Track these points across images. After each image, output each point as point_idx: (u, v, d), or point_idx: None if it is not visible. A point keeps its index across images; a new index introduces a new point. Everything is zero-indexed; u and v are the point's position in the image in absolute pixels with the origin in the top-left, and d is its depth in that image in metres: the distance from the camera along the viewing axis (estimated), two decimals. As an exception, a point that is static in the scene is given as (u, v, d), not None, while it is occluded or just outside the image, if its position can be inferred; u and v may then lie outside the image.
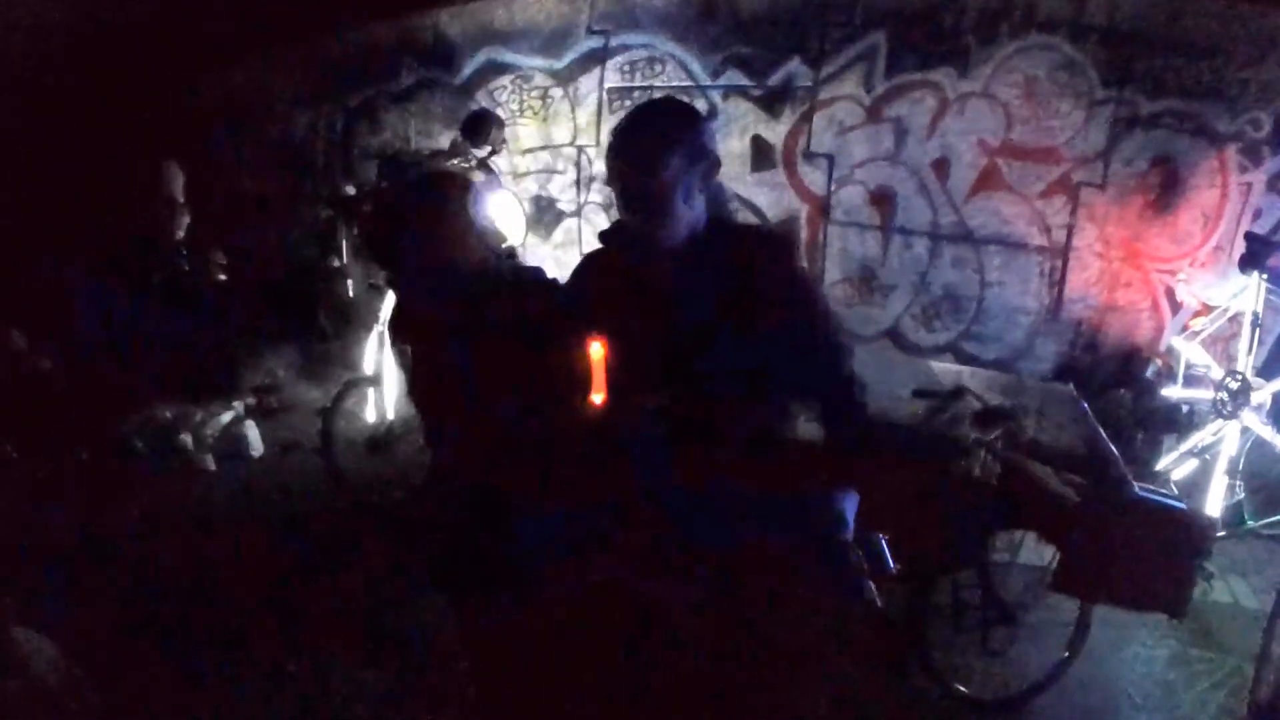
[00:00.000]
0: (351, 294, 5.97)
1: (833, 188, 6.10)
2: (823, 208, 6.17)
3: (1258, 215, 5.45)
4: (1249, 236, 4.91)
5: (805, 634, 3.58)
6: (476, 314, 2.92)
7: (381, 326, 5.52)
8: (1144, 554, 3.69)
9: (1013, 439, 3.73)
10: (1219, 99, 5.36)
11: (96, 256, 4.95)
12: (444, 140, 6.10)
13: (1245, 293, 4.79)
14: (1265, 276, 4.71)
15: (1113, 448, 3.81)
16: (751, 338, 2.55)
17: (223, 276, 5.56)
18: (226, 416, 5.63)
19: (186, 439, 5.44)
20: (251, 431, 5.66)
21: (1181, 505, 3.84)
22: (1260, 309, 4.74)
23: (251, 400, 5.76)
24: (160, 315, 5.32)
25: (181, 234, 5.38)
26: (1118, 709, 4.03)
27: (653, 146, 2.36)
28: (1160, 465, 5.10)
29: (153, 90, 4.83)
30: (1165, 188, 5.58)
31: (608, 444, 2.80)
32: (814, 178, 6.12)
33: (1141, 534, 3.66)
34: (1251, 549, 4.89)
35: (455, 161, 5.75)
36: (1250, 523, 4.78)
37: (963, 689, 3.93)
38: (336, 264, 6.01)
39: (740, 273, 2.52)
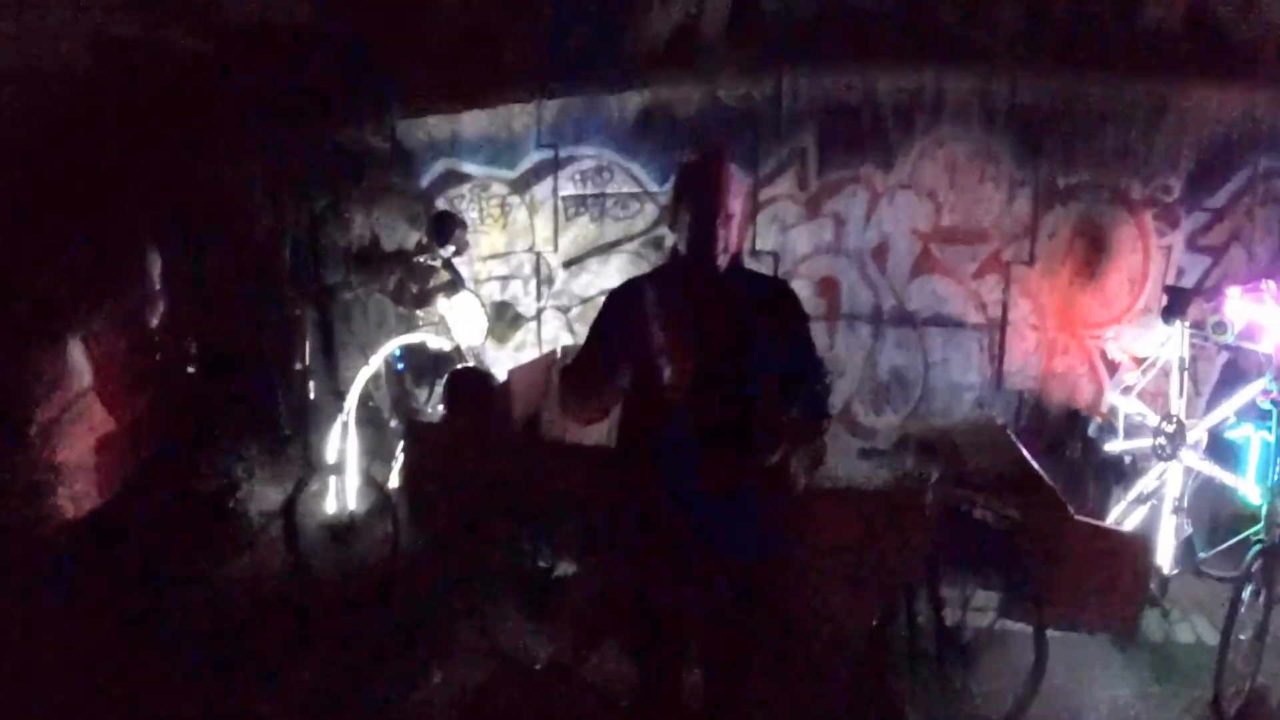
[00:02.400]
0: (313, 396, 6.10)
1: (779, 283, 6.37)
2: (771, 302, 6.41)
3: (1181, 274, 5.74)
4: (1168, 289, 5.20)
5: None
6: None
7: (346, 417, 5.63)
8: (1086, 572, 3.80)
9: (951, 471, 3.86)
10: (1128, 168, 5.74)
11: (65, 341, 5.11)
12: (410, 240, 6.41)
13: (1171, 341, 5.00)
14: (1188, 324, 4.94)
15: (1040, 470, 3.94)
16: (774, 353, 2.95)
17: (191, 370, 5.72)
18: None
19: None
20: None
21: (1118, 527, 3.94)
22: (1186, 354, 4.95)
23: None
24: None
25: (155, 323, 5.59)
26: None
27: (732, 183, 2.93)
28: (1111, 517, 5.15)
29: (123, 180, 5.11)
30: (1091, 257, 5.89)
31: (637, 448, 2.91)
32: (761, 275, 6.40)
33: (1082, 553, 3.79)
34: (1210, 587, 4.95)
35: (422, 260, 6.03)
36: (1201, 554, 4.82)
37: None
38: (299, 366, 6.16)
39: (762, 306, 3.01)
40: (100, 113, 4.71)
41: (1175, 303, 5.01)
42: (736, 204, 2.90)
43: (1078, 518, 3.90)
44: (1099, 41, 5.67)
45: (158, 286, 5.51)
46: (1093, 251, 5.88)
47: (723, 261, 2.92)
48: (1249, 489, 4.58)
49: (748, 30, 6.30)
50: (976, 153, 6.01)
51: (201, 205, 5.58)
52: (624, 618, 3.16)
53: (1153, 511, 4.97)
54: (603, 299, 3.14)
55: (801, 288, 6.30)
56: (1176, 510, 4.82)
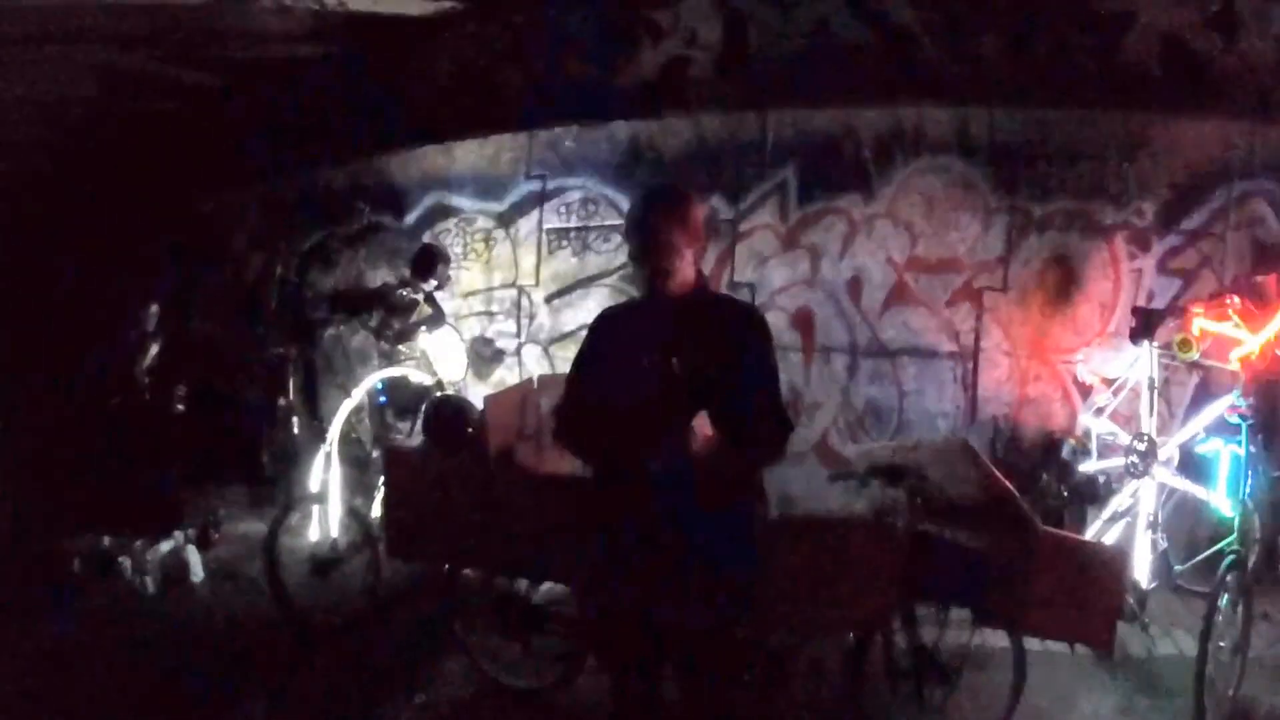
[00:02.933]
0: (295, 432, 6.11)
1: (756, 315, 6.46)
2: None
3: (1151, 297, 5.82)
4: (1136, 311, 5.23)
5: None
6: None
7: (329, 447, 5.63)
8: (1060, 586, 3.80)
9: (919, 493, 3.89)
10: (1103, 196, 5.87)
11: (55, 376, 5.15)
12: (392, 278, 6.47)
13: (1140, 362, 5.08)
14: (1156, 345, 5.01)
15: (1011, 487, 3.97)
16: (740, 371, 3.00)
17: (181, 408, 5.74)
18: (167, 545, 5.63)
19: (125, 563, 5.42)
20: (193, 557, 5.64)
21: (1089, 540, 3.95)
22: (1156, 374, 5.01)
23: (193, 531, 5.77)
24: (111, 440, 5.49)
25: (147, 364, 5.63)
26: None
27: (663, 216, 2.99)
28: (1088, 536, 5.17)
29: (120, 222, 5.19)
30: (1063, 283, 6.00)
31: (631, 467, 2.98)
32: (738, 307, 6.48)
33: (1054, 566, 3.80)
34: (1189, 602, 4.97)
35: (404, 294, 6.09)
36: (1177, 568, 4.87)
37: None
38: (283, 403, 6.19)
39: (726, 327, 3.06)
40: (104, 143, 4.80)
41: (1142, 324, 5.09)
42: (682, 237, 2.96)
43: (1046, 529, 3.90)
44: (1077, 75, 5.87)
45: (151, 328, 5.57)
46: (1065, 278, 5.99)
47: (674, 290, 3.00)
48: (1221, 502, 4.63)
49: (735, 67, 6.52)
50: (954, 183, 6.15)
51: (198, 239, 5.67)
52: (615, 637, 3.17)
53: (1128, 528, 4.98)
54: (584, 333, 3.26)
55: (777, 320, 6.44)
56: (1151, 526, 4.84)
